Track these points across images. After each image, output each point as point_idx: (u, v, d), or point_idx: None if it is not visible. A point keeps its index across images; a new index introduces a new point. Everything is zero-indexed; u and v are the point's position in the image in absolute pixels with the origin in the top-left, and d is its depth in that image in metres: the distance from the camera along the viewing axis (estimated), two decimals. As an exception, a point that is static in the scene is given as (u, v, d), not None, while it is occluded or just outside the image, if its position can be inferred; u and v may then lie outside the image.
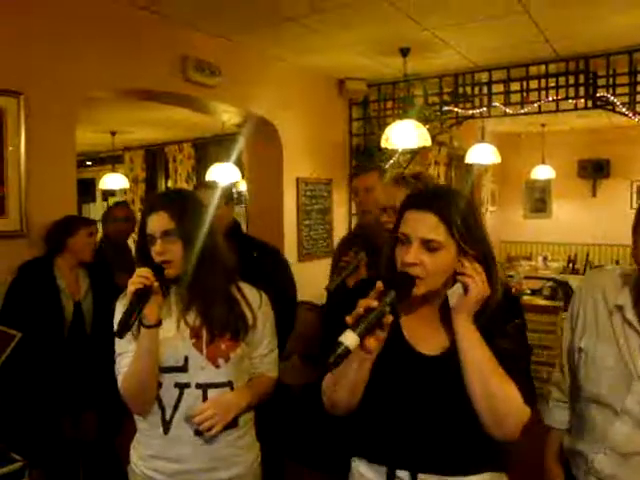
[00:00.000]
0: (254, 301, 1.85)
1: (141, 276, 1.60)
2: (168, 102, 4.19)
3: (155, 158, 8.54)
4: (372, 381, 1.39)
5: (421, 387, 1.40)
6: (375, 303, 1.24)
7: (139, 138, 7.79)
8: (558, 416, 1.71)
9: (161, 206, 1.73)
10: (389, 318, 1.25)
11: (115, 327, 1.63)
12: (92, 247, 2.84)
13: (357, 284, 1.82)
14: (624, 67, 4.28)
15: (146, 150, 8.50)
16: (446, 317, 1.40)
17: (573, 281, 5.74)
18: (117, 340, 1.73)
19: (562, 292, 5.49)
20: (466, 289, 1.33)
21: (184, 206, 1.77)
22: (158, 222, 1.71)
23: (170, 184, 8.29)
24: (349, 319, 1.23)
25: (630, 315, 1.42)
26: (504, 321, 1.41)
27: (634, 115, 4.24)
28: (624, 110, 4.27)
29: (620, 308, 1.44)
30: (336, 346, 1.18)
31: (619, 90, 4.31)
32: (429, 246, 1.32)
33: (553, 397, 1.74)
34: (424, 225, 1.33)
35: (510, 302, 1.46)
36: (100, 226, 4.05)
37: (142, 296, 1.59)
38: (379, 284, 1.27)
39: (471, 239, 1.35)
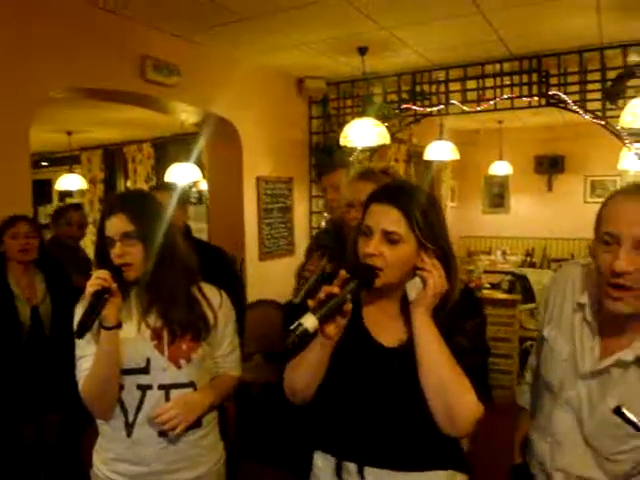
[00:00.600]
0: (215, 301, 1.85)
1: (99, 278, 1.59)
2: (126, 102, 4.14)
3: (114, 158, 8.41)
4: (330, 369, 1.41)
5: (377, 378, 1.42)
6: (337, 289, 1.27)
7: (97, 138, 7.66)
8: (527, 397, 1.74)
9: (120, 208, 1.71)
10: (349, 305, 1.29)
11: (74, 329, 1.62)
12: (20, 248, 2.74)
13: (322, 275, 1.84)
14: (575, 66, 4.40)
15: (104, 150, 8.35)
16: (405, 310, 1.43)
17: (531, 275, 5.88)
18: (77, 343, 1.71)
19: (520, 285, 5.62)
20: (425, 283, 1.36)
21: (143, 208, 1.76)
22: (117, 225, 1.69)
23: (129, 184, 8.18)
24: (311, 302, 1.27)
25: (588, 315, 1.44)
26: (463, 319, 1.44)
27: (585, 113, 4.37)
28: (575, 108, 4.40)
29: (581, 306, 1.46)
30: (296, 326, 1.22)
31: (570, 89, 4.43)
32: (390, 238, 1.35)
33: (526, 379, 1.76)
34: (386, 218, 1.37)
35: (470, 300, 1.49)
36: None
37: (100, 297, 1.58)
38: (342, 272, 1.30)
39: (431, 235, 1.38)
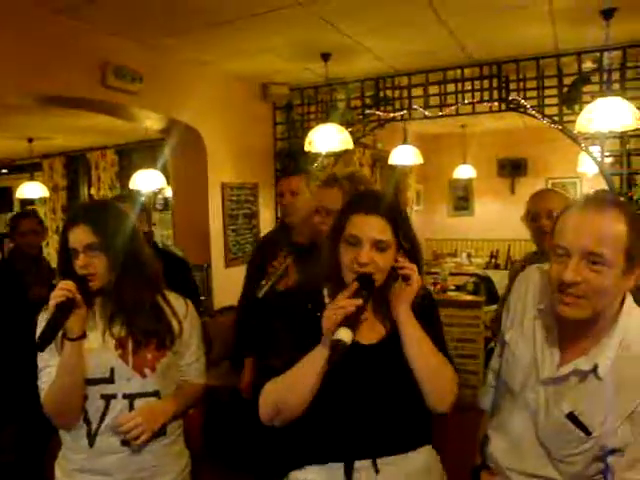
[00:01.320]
0: (180, 310, 1.86)
1: (63, 289, 1.58)
2: (88, 109, 4.09)
3: (76, 165, 8.28)
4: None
5: (363, 375, 1.49)
6: (361, 301, 1.39)
7: (59, 145, 7.53)
8: (489, 400, 1.76)
9: (82, 219, 1.71)
10: (365, 316, 1.44)
11: (36, 340, 1.59)
12: None
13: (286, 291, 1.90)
14: (533, 73, 4.51)
15: (67, 157, 8.22)
16: (380, 310, 1.55)
17: (494, 276, 6.00)
18: (40, 354, 1.70)
19: (484, 287, 5.72)
20: (408, 280, 1.49)
21: (106, 218, 1.75)
22: (80, 236, 1.69)
23: (93, 192, 8.05)
24: (332, 320, 1.37)
25: (549, 322, 1.47)
26: (429, 311, 1.60)
27: (543, 117, 4.47)
28: (534, 113, 4.50)
29: (542, 312, 1.49)
30: (337, 344, 1.32)
31: (529, 94, 4.54)
32: (379, 246, 1.46)
33: (488, 381, 1.78)
34: (374, 228, 1.46)
35: (428, 295, 1.62)
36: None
37: (64, 309, 1.57)
38: (355, 284, 1.42)
39: (407, 236, 1.51)
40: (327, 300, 1.56)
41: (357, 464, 1.49)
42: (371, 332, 1.53)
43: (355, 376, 1.48)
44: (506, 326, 1.60)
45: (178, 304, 1.86)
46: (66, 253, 1.71)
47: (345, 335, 1.33)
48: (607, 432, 1.34)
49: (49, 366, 1.68)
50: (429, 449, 1.59)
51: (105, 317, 1.75)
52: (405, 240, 1.50)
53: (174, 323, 1.81)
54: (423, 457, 1.55)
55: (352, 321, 1.36)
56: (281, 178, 2.98)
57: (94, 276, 1.68)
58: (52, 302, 1.57)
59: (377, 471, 1.48)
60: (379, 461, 1.48)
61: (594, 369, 1.35)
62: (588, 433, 1.35)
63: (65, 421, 1.72)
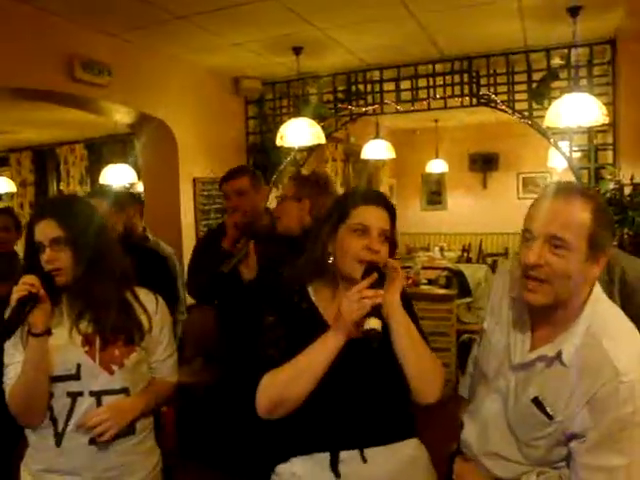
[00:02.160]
0: (150, 306, 1.84)
1: (26, 283, 1.56)
2: (55, 102, 4.02)
3: (45, 160, 8.13)
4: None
5: (351, 366, 1.51)
6: (382, 292, 1.46)
7: (26, 139, 7.38)
8: (466, 387, 1.79)
9: (49, 213, 1.69)
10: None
11: None
12: None
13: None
14: (503, 68, 4.55)
15: (34, 152, 8.07)
16: None
17: (466, 270, 6.05)
18: (5, 351, 1.68)
19: (456, 281, 5.78)
20: (395, 274, 1.54)
21: (73, 213, 1.73)
22: (46, 230, 1.66)
23: (62, 187, 7.91)
24: (363, 309, 1.42)
25: (521, 308, 1.50)
26: (409, 305, 1.64)
27: (513, 112, 4.52)
28: (504, 107, 4.55)
29: (514, 300, 1.53)
30: (373, 333, 1.40)
31: (499, 89, 4.58)
32: (385, 235, 1.56)
33: (468, 369, 1.82)
34: (381, 219, 1.57)
35: (406, 301, 1.63)
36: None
37: (26, 304, 1.54)
38: (375, 275, 1.47)
39: (394, 233, 1.61)
40: (312, 293, 1.62)
41: (343, 454, 1.51)
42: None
43: (343, 367, 1.49)
44: (486, 314, 1.65)
45: (148, 300, 1.84)
46: (32, 248, 1.69)
47: (377, 324, 1.41)
48: (569, 417, 1.37)
49: (14, 363, 1.66)
50: (415, 441, 1.61)
51: (72, 313, 1.72)
52: (393, 233, 1.59)
53: (143, 319, 1.79)
54: (409, 448, 1.58)
55: (378, 311, 1.43)
56: (223, 180, 2.86)
57: (60, 271, 1.65)
58: (14, 296, 1.55)
59: (365, 460, 1.51)
60: (366, 451, 1.51)
61: (558, 355, 1.39)
62: (550, 417, 1.39)
63: (30, 419, 1.69)
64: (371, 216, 1.56)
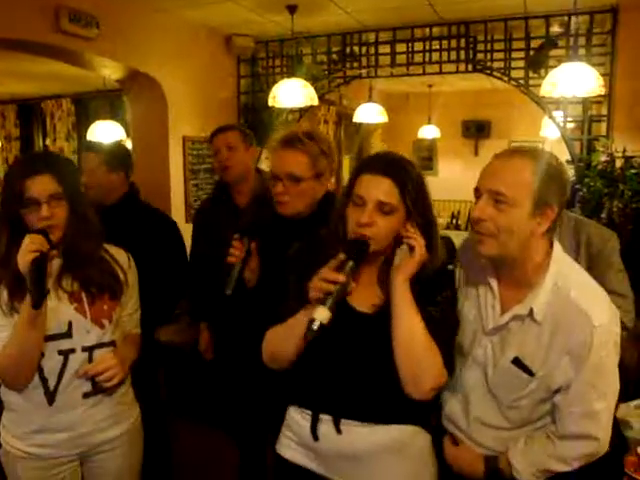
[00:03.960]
0: (123, 261, 1.87)
1: (35, 243, 1.54)
2: (40, 54, 3.91)
3: (30, 114, 7.96)
4: None
5: (350, 340, 1.49)
6: (342, 277, 1.37)
7: (10, 92, 7.21)
8: None
9: (46, 168, 1.66)
10: (352, 285, 1.41)
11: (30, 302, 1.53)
12: None
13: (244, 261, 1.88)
14: (500, 34, 4.47)
15: (19, 105, 7.89)
16: (382, 277, 1.51)
17: (455, 238, 6.05)
18: None
19: (445, 247, 5.79)
20: (412, 250, 1.45)
21: (68, 169, 1.74)
22: (43, 185, 1.63)
23: (48, 142, 7.78)
24: (315, 294, 1.37)
25: (488, 276, 1.53)
26: (436, 290, 1.51)
27: (509, 80, 4.47)
28: (499, 75, 4.49)
29: (482, 269, 1.55)
30: (311, 324, 1.33)
31: (496, 56, 4.51)
32: (383, 209, 1.44)
33: None
34: (379, 189, 1.44)
35: (443, 274, 1.57)
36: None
37: (41, 264, 1.52)
38: (341, 255, 1.40)
39: (420, 207, 1.47)
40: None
41: (323, 417, 1.53)
42: (368, 300, 1.52)
43: (340, 338, 1.49)
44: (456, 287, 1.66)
45: (120, 256, 1.87)
46: (18, 204, 1.64)
47: (320, 315, 1.34)
48: (549, 371, 1.43)
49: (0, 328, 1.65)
50: (409, 429, 1.54)
51: (55, 271, 1.71)
52: (415, 208, 1.45)
53: (120, 274, 1.83)
54: (395, 434, 1.52)
55: (335, 298, 1.36)
56: (214, 135, 2.82)
57: (54, 228, 1.64)
58: (26, 258, 1.52)
59: (339, 431, 1.51)
60: (343, 422, 1.51)
61: (530, 313, 1.44)
62: (531, 374, 1.44)
63: (18, 382, 1.69)
64: (367, 186, 1.46)
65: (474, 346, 1.55)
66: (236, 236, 1.96)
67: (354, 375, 1.51)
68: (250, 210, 2.58)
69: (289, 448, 1.63)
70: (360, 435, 1.51)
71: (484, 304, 1.54)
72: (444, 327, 1.50)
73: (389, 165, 1.48)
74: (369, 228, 1.44)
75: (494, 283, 1.52)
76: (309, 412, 1.56)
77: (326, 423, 1.53)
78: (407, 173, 1.47)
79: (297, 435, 1.60)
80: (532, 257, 1.45)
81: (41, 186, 1.63)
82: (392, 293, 1.45)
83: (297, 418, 1.60)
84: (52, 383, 1.69)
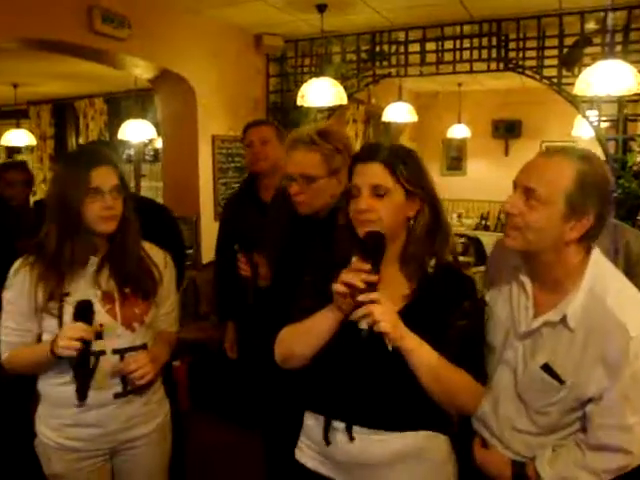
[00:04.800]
0: (159, 260, 1.87)
1: (78, 331, 1.58)
2: (74, 54, 3.96)
3: (64, 113, 8.08)
4: None
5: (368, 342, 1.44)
6: (375, 277, 1.33)
7: (45, 92, 7.33)
8: None
9: (107, 161, 1.70)
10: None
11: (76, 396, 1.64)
12: None
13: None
14: (533, 32, 4.39)
15: (54, 105, 8.01)
16: (404, 270, 1.48)
17: (483, 238, 5.99)
18: (5, 310, 1.72)
19: (473, 248, 5.74)
20: (374, 323, 1.32)
21: (120, 162, 1.81)
22: (107, 176, 1.68)
23: (81, 141, 7.89)
24: (345, 301, 1.35)
25: (522, 276, 1.50)
26: (459, 300, 1.46)
27: (541, 79, 4.39)
28: (531, 73, 4.42)
29: (516, 268, 1.52)
30: (363, 335, 1.32)
31: (528, 54, 4.43)
32: (377, 192, 1.42)
33: None
34: (371, 173, 1.43)
35: (459, 280, 1.52)
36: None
37: (85, 356, 1.60)
38: (356, 263, 1.36)
39: (417, 183, 1.45)
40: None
41: (335, 424, 1.50)
42: (395, 292, 1.46)
43: (358, 340, 1.42)
44: (486, 286, 1.65)
45: (156, 254, 1.87)
46: (82, 193, 1.65)
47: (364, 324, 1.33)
48: (581, 380, 1.39)
49: (20, 328, 1.70)
50: (424, 435, 1.50)
51: (94, 265, 1.73)
52: (412, 185, 1.44)
53: (156, 274, 1.83)
54: (410, 441, 1.48)
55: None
56: (248, 127, 2.84)
57: (114, 219, 1.68)
58: (69, 346, 1.56)
59: (352, 438, 1.47)
60: (356, 429, 1.47)
61: (563, 320, 1.40)
62: (562, 382, 1.41)
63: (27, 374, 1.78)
64: (359, 174, 1.45)
65: (505, 347, 1.53)
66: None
67: (371, 380, 1.47)
68: (274, 206, 2.63)
69: (306, 455, 1.61)
70: (374, 443, 1.47)
71: (517, 305, 1.51)
72: (473, 336, 1.48)
73: (376, 151, 1.46)
74: (369, 213, 1.42)
75: (528, 284, 1.49)
76: (322, 418, 1.54)
77: (339, 430, 1.50)
78: (396, 154, 1.46)
79: (313, 441, 1.58)
80: (565, 261, 1.42)
81: (105, 177, 1.67)
82: (401, 347, 1.37)
83: (312, 424, 1.58)
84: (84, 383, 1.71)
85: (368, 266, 1.34)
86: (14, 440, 2.71)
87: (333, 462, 1.54)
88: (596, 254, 1.44)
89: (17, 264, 1.73)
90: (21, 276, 1.70)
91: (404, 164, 1.44)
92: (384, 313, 1.32)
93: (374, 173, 1.43)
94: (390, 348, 1.34)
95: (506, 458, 1.54)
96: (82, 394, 1.58)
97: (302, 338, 1.50)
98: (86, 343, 1.56)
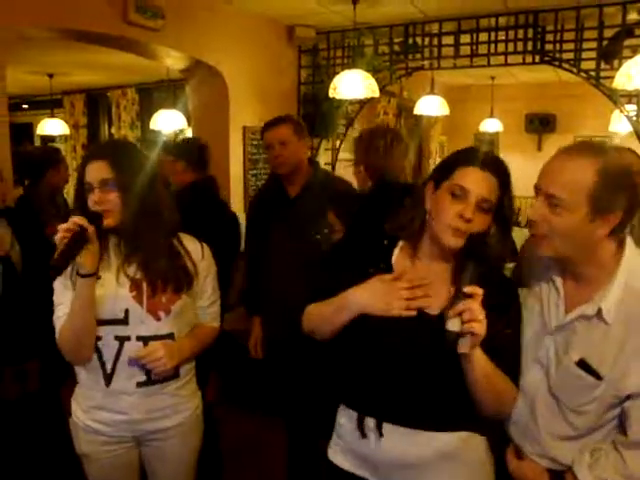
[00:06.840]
0: (196, 254, 1.86)
1: (75, 222, 1.56)
2: (108, 45, 3.99)
3: (97, 103, 8.20)
4: (363, 325, 1.47)
5: (411, 341, 1.44)
6: (479, 291, 1.30)
7: (79, 81, 7.43)
8: None
9: (101, 155, 1.71)
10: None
11: (49, 269, 1.55)
12: None
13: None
14: (571, 24, 4.29)
15: (87, 95, 8.12)
16: (456, 275, 1.44)
17: (514, 233, 5.89)
18: (55, 289, 1.72)
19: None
20: (473, 335, 1.31)
21: (124, 155, 1.75)
22: (96, 171, 1.68)
23: (114, 131, 7.99)
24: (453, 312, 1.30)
25: (552, 273, 1.47)
26: (504, 305, 1.46)
27: (578, 72, 4.29)
28: (568, 67, 4.32)
29: (546, 265, 1.49)
30: (449, 336, 1.30)
31: (565, 46, 4.34)
32: (483, 206, 1.39)
33: None
34: (486, 186, 1.39)
35: (506, 285, 1.52)
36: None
37: (76, 239, 1.54)
38: (471, 290, 1.31)
39: (509, 208, 1.45)
40: (397, 251, 1.53)
41: (368, 420, 1.50)
42: (437, 300, 1.45)
43: (401, 338, 1.44)
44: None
45: (193, 247, 1.87)
46: (82, 189, 1.70)
47: (454, 326, 1.30)
48: (619, 375, 1.35)
49: (64, 302, 1.69)
50: (460, 435, 1.48)
51: (120, 258, 1.75)
52: (507, 210, 1.43)
53: (189, 266, 1.82)
54: (446, 441, 1.47)
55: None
56: (266, 129, 2.78)
57: (107, 213, 1.66)
58: (62, 232, 1.54)
59: (381, 434, 1.47)
60: (385, 426, 1.47)
61: (598, 313, 1.36)
62: (599, 378, 1.36)
63: (77, 358, 1.75)
64: (473, 179, 1.39)
65: (537, 346, 1.49)
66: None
67: (408, 377, 1.45)
68: (300, 202, 2.68)
69: (338, 454, 1.61)
70: (402, 441, 1.47)
71: (547, 302, 1.48)
72: (516, 345, 1.48)
73: (496, 164, 1.43)
74: (469, 224, 1.37)
75: (559, 281, 1.46)
76: (355, 413, 1.53)
77: (370, 426, 1.49)
78: (507, 173, 1.44)
79: (345, 441, 1.58)
80: (597, 257, 1.39)
81: (94, 172, 1.68)
82: (465, 365, 1.37)
83: (345, 422, 1.57)
84: (109, 367, 1.73)
85: (481, 290, 1.30)
86: (52, 421, 2.78)
87: (367, 462, 1.53)
88: (629, 245, 1.41)
89: None
90: None
91: (510, 186, 1.44)
92: (481, 326, 1.30)
93: (488, 186, 1.39)
94: (462, 351, 1.32)
95: (541, 468, 1.49)
96: (55, 269, 1.51)
97: (321, 325, 1.57)
98: (81, 228, 1.55)
